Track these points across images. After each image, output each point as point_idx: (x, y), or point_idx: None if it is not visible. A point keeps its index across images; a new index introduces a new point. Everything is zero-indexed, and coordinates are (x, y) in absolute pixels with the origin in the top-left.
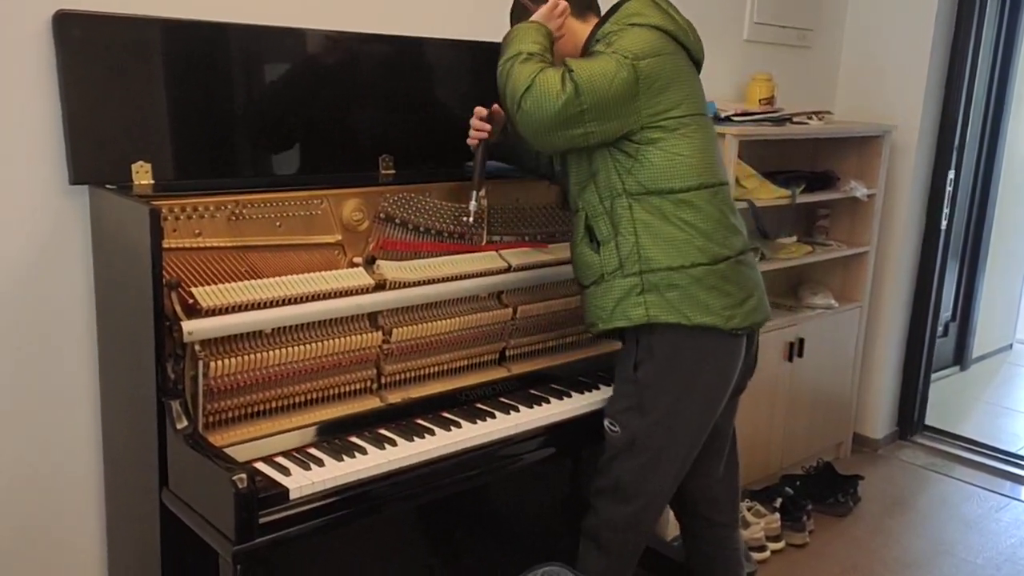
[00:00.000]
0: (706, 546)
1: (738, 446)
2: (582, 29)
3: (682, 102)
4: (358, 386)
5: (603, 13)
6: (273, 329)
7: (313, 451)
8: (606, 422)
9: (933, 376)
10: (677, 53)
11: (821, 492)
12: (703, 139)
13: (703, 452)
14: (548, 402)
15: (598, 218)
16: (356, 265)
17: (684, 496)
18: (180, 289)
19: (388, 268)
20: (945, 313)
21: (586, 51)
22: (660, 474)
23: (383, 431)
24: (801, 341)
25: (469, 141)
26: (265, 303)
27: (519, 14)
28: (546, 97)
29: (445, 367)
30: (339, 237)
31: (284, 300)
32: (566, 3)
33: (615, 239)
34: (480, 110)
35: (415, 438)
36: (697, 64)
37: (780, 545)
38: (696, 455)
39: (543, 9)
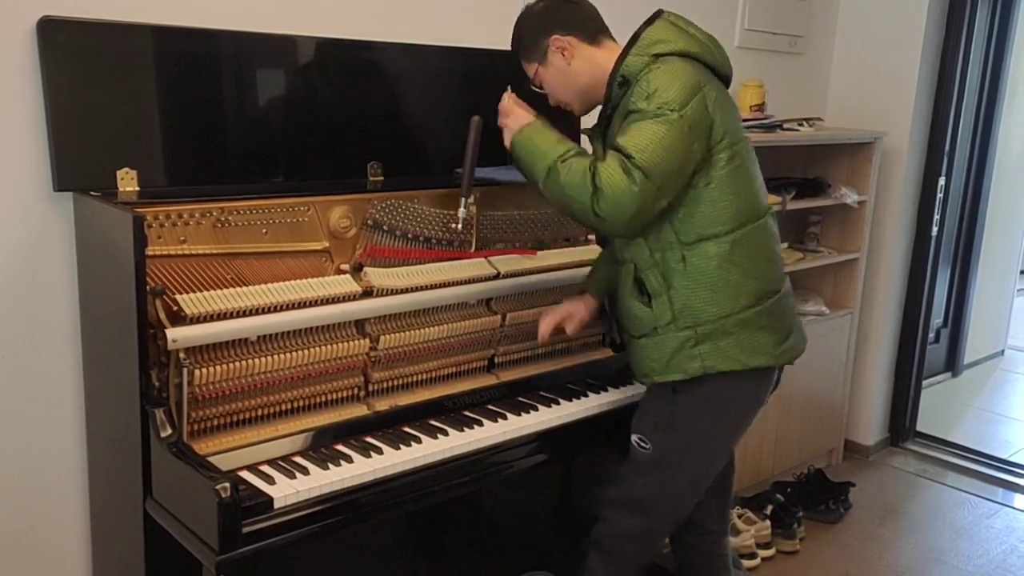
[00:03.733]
0: (695, 553)
1: (734, 456)
2: (599, 55)
3: (725, 134)
4: (345, 394)
5: (626, 42)
6: (259, 337)
7: (298, 459)
8: (635, 438)
9: (924, 382)
10: (709, 80)
11: (812, 499)
12: (748, 167)
13: None
14: (536, 409)
15: (648, 271)
16: (343, 272)
17: None
18: (165, 296)
19: (375, 275)
20: (936, 319)
21: (611, 85)
22: (682, 493)
23: (369, 439)
24: None
25: (501, 123)
26: (251, 310)
27: (528, 43)
28: (621, 195)
29: (433, 374)
30: (326, 244)
31: (270, 307)
32: (513, 96)
33: (667, 292)
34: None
35: (401, 446)
36: (725, 80)
37: (771, 552)
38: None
39: (517, 112)
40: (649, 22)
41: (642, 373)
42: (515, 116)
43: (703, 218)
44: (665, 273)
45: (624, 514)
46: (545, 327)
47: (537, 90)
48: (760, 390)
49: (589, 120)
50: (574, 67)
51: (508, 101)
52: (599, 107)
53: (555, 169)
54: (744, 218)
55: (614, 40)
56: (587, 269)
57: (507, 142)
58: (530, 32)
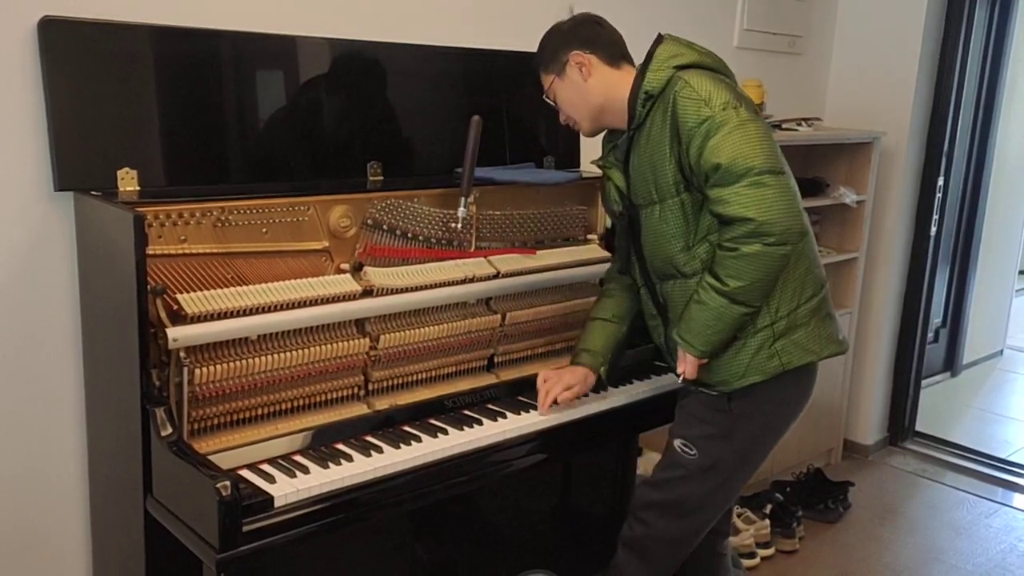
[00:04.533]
0: (697, 553)
1: None
2: (617, 78)
3: None
4: (345, 393)
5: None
6: (259, 336)
7: (299, 458)
8: (678, 443)
9: (923, 382)
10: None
11: (811, 498)
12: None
13: None
14: (536, 409)
15: None
16: (343, 271)
17: None
18: (165, 295)
19: (375, 274)
20: (935, 319)
21: (634, 105)
22: (725, 495)
23: (370, 438)
24: None
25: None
26: (251, 310)
27: (549, 54)
28: (775, 204)
29: (433, 374)
30: (326, 244)
31: (270, 307)
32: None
33: None
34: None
35: (401, 445)
36: None
37: (770, 552)
38: None
39: (689, 363)
40: (657, 43)
41: (719, 382)
42: (689, 365)
43: None
44: None
45: (664, 517)
46: (547, 401)
47: (548, 101)
48: (808, 389)
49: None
50: (590, 85)
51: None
52: (601, 135)
53: (727, 293)
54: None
55: (634, 67)
56: (587, 269)
57: (703, 359)
58: (553, 44)
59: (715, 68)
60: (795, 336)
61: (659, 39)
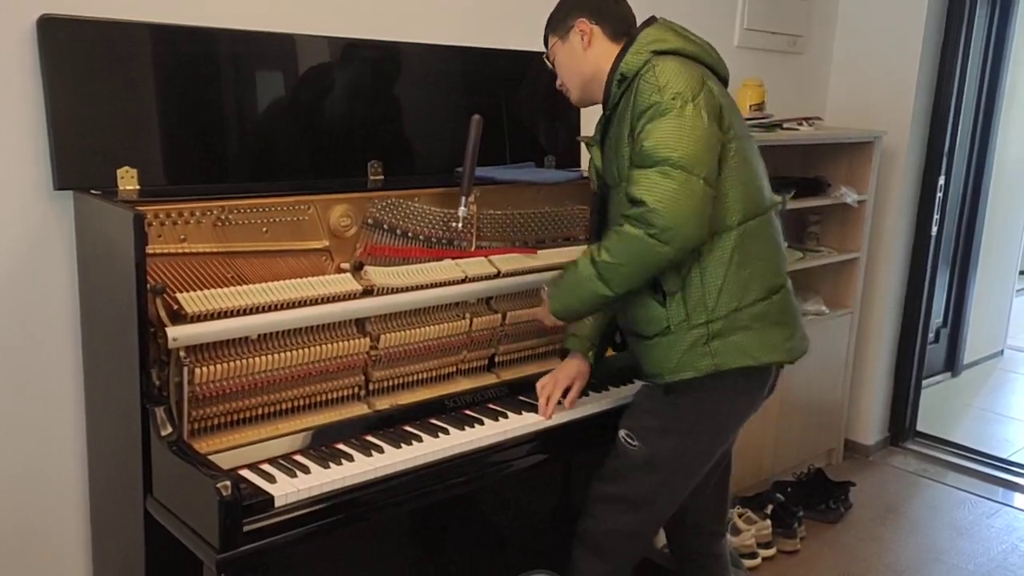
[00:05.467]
0: (695, 554)
1: (733, 456)
2: (613, 53)
3: (731, 126)
4: (345, 393)
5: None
6: (259, 335)
7: (299, 458)
8: (622, 433)
9: (924, 382)
10: (710, 76)
11: (812, 498)
12: (753, 160)
13: None
14: (537, 408)
15: (666, 270)
16: (343, 271)
17: None
18: (165, 294)
19: (376, 274)
20: (936, 319)
21: (610, 84)
22: (672, 490)
23: (370, 438)
24: None
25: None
26: (251, 309)
27: (559, 16)
28: (672, 201)
29: (433, 373)
30: (326, 243)
31: (270, 306)
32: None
33: (683, 290)
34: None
35: (402, 445)
36: (723, 81)
37: (771, 552)
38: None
39: (540, 314)
40: (645, 24)
41: (653, 373)
42: (542, 315)
43: (719, 209)
44: (681, 270)
45: (613, 510)
46: (550, 404)
47: (547, 63)
48: (757, 391)
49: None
50: (588, 55)
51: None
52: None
53: (594, 265)
54: (752, 210)
55: None
56: None
57: (555, 318)
58: (566, 7)
59: (697, 57)
60: (733, 338)
61: (649, 21)
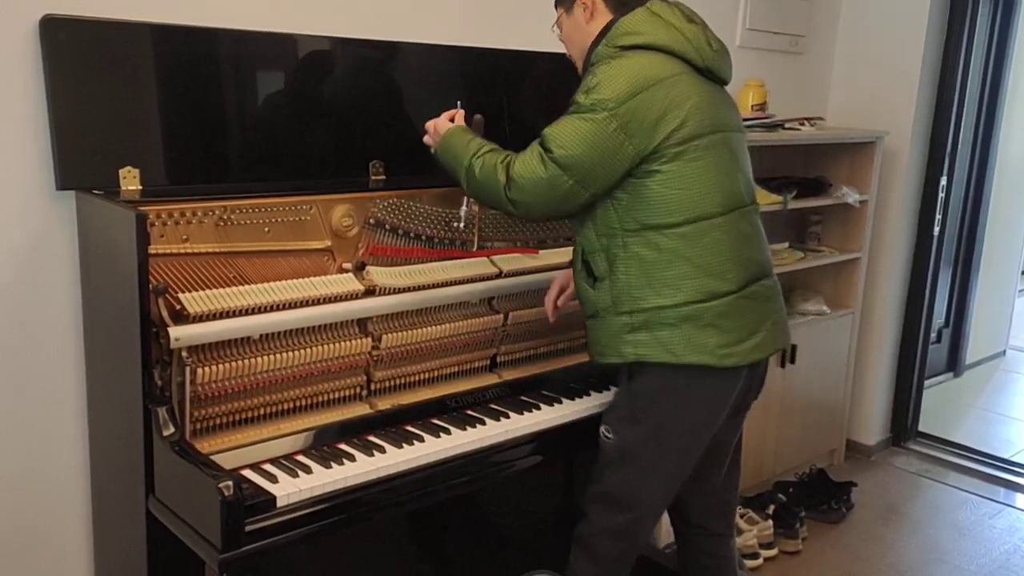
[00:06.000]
0: (701, 555)
1: (741, 458)
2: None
3: (680, 127)
4: (347, 393)
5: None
6: (261, 335)
7: (301, 458)
8: (602, 428)
9: (926, 382)
10: (673, 76)
11: (814, 499)
12: (711, 162)
13: (702, 461)
14: (539, 408)
15: (594, 255)
16: (345, 271)
17: (680, 504)
18: (167, 294)
19: (378, 274)
20: (938, 319)
21: (588, 61)
22: (649, 487)
23: (372, 438)
24: (793, 348)
25: (426, 140)
26: (253, 309)
27: None
28: (532, 185)
29: (435, 373)
30: (328, 243)
31: (272, 306)
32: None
33: (610, 277)
34: (448, 113)
35: (404, 445)
36: (711, 73)
37: (773, 552)
38: (690, 473)
39: (440, 123)
40: (631, 8)
41: (593, 352)
42: (438, 125)
43: (648, 209)
44: (610, 259)
45: (601, 509)
46: (550, 301)
47: (555, 33)
48: (723, 389)
49: None
50: (589, 28)
51: (438, 120)
52: None
53: (471, 166)
54: (698, 213)
55: None
56: None
57: (433, 151)
58: None
59: (671, 49)
60: (658, 333)
61: (639, 3)
